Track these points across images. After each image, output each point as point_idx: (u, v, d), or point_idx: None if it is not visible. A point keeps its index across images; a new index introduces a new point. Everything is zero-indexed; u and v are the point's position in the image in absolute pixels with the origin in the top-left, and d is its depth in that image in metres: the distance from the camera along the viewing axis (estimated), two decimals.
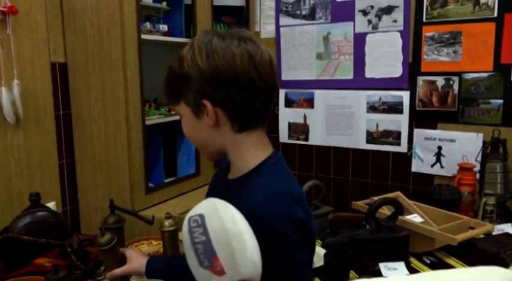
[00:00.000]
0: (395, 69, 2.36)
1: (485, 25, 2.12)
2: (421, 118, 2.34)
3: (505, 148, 1.98)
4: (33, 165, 1.85)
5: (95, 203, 1.98)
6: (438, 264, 1.46)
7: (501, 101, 2.12)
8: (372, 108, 2.45)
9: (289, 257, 0.83)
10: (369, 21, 2.39)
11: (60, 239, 1.39)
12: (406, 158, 2.40)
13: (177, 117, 2.10)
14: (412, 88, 2.34)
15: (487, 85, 2.15)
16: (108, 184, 1.94)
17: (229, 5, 2.62)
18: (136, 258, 1.12)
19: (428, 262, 1.48)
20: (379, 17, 2.36)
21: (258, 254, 0.73)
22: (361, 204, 1.77)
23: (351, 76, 2.48)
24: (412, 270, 1.42)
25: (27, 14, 1.78)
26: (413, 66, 2.32)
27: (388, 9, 2.34)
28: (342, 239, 1.48)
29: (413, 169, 2.38)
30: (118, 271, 1.10)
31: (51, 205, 1.90)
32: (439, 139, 2.29)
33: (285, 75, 2.67)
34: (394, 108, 2.39)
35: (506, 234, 1.68)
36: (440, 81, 2.26)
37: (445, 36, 2.22)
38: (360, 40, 2.43)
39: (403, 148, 2.40)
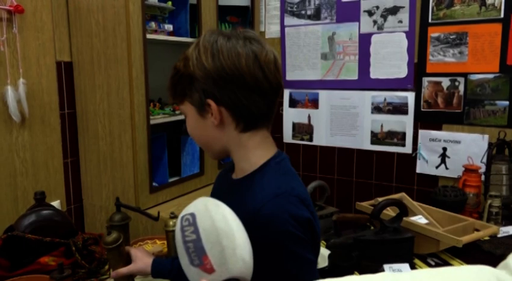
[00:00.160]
0: (400, 70, 2.36)
1: (492, 26, 2.10)
2: (426, 119, 2.33)
3: (511, 150, 1.97)
4: (38, 163, 1.85)
5: (99, 202, 1.99)
6: (443, 266, 1.45)
7: (507, 102, 2.11)
8: (377, 109, 2.45)
9: (295, 255, 0.83)
10: (374, 22, 2.38)
11: (65, 238, 1.39)
12: (410, 159, 2.39)
13: (181, 117, 2.10)
14: (417, 89, 2.33)
15: (493, 86, 2.13)
16: (112, 183, 1.94)
17: (234, 5, 2.62)
18: (141, 258, 1.12)
19: (433, 263, 1.47)
20: (384, 17, 2.35)
21: (249, 253, 0.73)
22: (365, 205, 1.77)
23: (355, 76, 2.47)
24: None
25: (33, 13, 1.79)
26: (418, 67, 2.31)
27: (394, 10, 2.33)
28: (346, 240, 1.48)
29: (418, 170, 2.37)
30: (123, 270, 1.11)
31: (56, 203, 1.90)
32: (444, 140, 2.28)
33: (290, 76, 2.66)
34: (399, 109, 2.39)
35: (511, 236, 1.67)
36: (445, 82, 2.25)
37: (451, 37, 2.21)
38: (365, 40, 2.42)
39: (407, 149, 2.39)
